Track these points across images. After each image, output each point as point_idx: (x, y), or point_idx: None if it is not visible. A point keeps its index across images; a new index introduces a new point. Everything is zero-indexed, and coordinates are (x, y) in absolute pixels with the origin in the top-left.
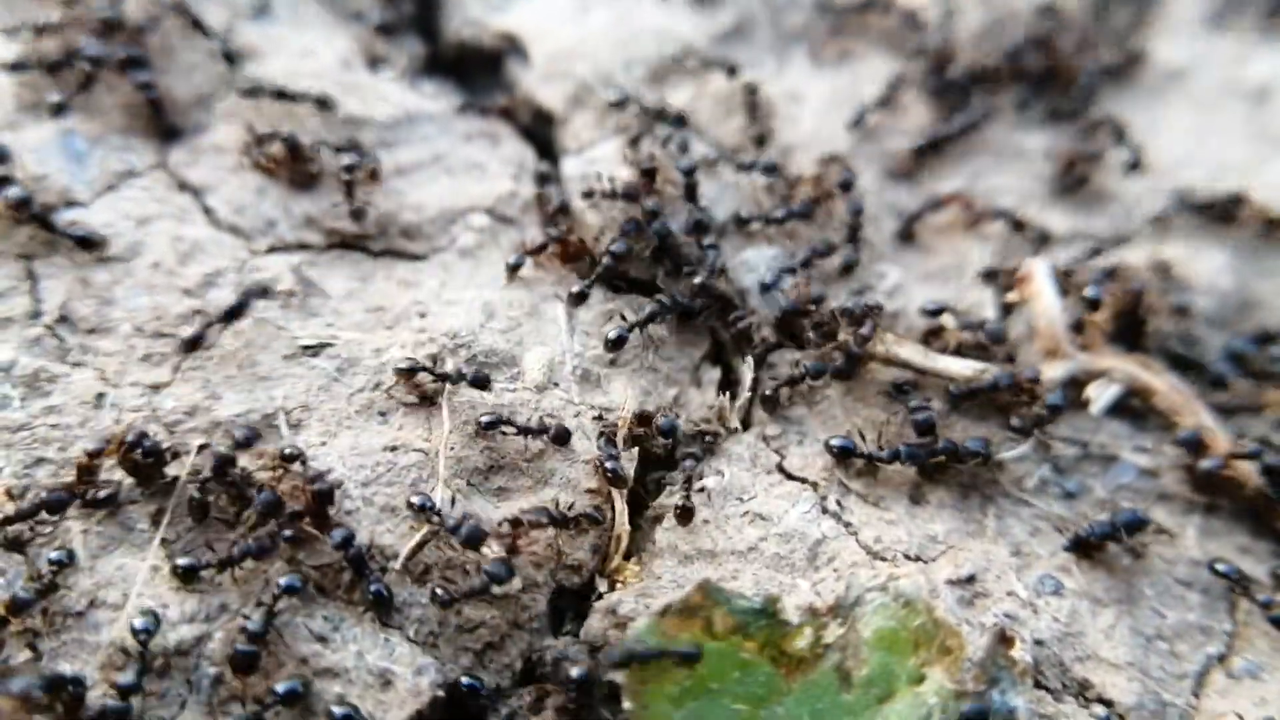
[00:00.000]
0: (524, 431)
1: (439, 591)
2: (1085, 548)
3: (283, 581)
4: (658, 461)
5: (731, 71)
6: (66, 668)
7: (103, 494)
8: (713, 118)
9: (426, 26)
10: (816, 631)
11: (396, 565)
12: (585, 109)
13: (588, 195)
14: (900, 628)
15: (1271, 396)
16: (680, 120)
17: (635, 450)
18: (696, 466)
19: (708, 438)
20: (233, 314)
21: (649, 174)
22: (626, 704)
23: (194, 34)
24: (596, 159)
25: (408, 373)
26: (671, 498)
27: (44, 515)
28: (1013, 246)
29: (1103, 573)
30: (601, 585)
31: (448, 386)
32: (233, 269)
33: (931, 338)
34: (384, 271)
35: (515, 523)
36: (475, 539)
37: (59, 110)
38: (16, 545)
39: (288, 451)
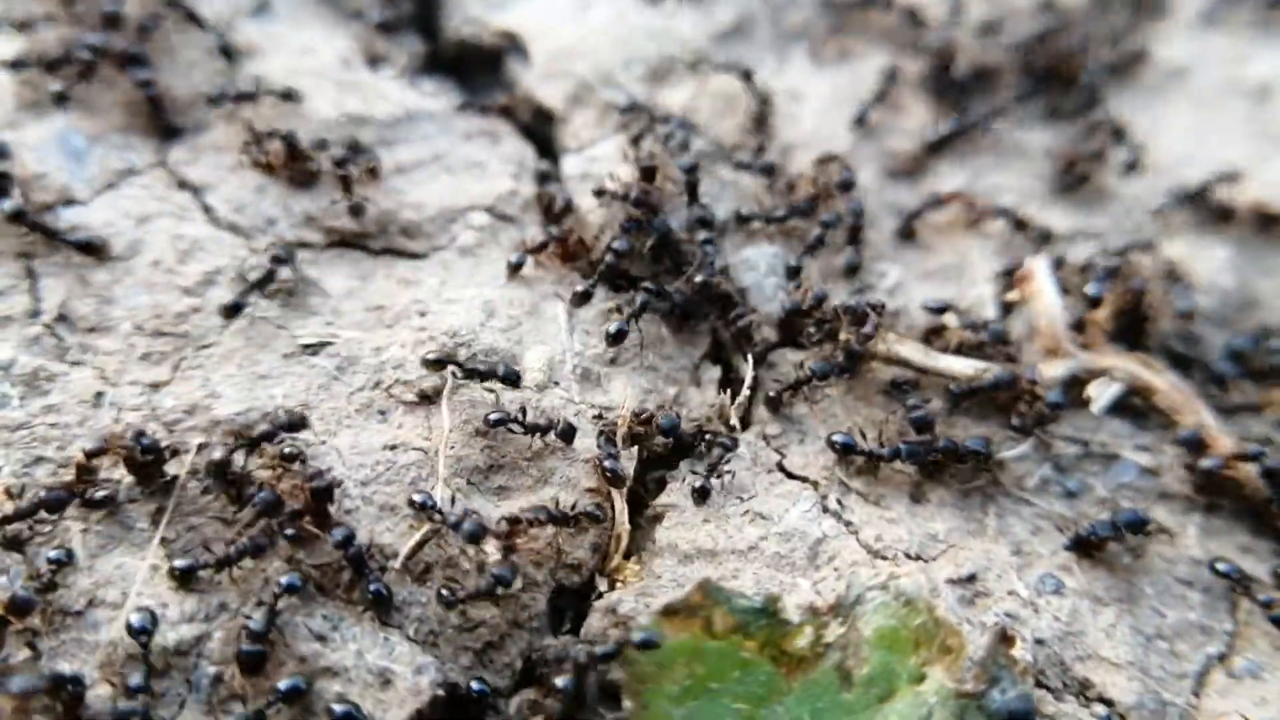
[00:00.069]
0: (530, 429)
1: (444, 592)
2: (1086, 547)
3: (283, 580)
4: (658, 460)
5: (747, 76)
6: (66, 667)
7: (102, 493)
8: (712, 115)
9: (426, 25)
10: (817, 631)
11: (396, 564)
12: (585, 107)
13: (599, 194)
14: (901, 627)
15: (1272, 396)
16: (685, 124)
17: (635, 449)
18: (726, 455)
19: (724, 439)
20: (264, 281)
21: (649, 172)
22: (626, 703)
23: (193, 31)
24: (597, 157)
25: (436, 364)
26: (684, 485)
27: (43, 514)
28: (1014, 245)
29: (1103, 572)
30: (601, 584)
31: (449, 384)
32: (232, 267)
33: (932, 336)
34: (384, 270)
35: (513, 521)
36: (477, 535)
37: (61, 99)
38: (16, 544)
39: (287, 450)
